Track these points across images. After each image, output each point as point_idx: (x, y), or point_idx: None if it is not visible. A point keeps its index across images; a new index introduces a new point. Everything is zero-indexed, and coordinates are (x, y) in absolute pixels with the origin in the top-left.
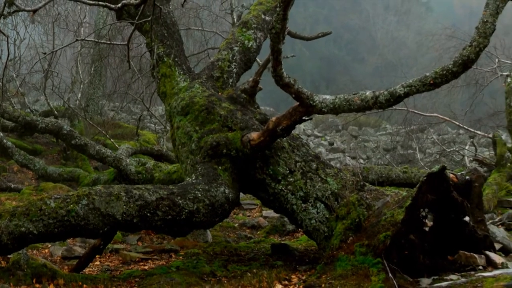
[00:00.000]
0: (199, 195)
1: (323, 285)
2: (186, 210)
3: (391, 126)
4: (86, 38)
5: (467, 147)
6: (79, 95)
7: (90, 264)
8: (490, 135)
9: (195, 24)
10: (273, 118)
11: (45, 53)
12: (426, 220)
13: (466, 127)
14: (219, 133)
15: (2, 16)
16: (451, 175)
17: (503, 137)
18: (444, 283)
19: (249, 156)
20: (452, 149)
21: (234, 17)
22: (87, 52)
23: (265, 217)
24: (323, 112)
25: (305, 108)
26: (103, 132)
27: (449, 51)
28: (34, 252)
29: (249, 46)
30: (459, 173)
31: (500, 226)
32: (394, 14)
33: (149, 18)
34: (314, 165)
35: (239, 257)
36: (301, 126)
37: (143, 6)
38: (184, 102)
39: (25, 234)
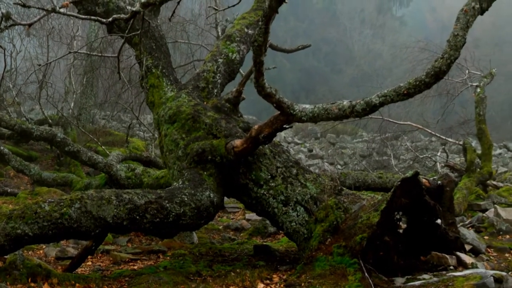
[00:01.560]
0: (186, 199)
1: (303, 284)
2: (173, 213)
3: (367, 134)
4: (79, 51)
5: (439, 154)
6: (72, 104)
7: (83, 264)
8: (461, 142)
9: (182, 37)
10: (256, 126)
11: (40, 65)
12: (400, 223)
13: (438, 135)
14: (204, 141)
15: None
16: (424, 180)
17: (473, 144)
18: (417, 282)
19: (233, 162)
20: (424, 155)
21: (219, 30)
22: (79, 63)
23: (248, 220)
24: (302, 121)
25: (286, 116)
26: (95, 139)
27: (422, 63)
28: (30, 253)
29: (232, 58)
30: (431, 178)
31: (470, 228)
32: (370, 28)
33: (138, 32)
34: (294, 171)
35: (224, 258)
36: (282, 133)
37: (133, 20)
38: (172, 111)
39: (21, 236)
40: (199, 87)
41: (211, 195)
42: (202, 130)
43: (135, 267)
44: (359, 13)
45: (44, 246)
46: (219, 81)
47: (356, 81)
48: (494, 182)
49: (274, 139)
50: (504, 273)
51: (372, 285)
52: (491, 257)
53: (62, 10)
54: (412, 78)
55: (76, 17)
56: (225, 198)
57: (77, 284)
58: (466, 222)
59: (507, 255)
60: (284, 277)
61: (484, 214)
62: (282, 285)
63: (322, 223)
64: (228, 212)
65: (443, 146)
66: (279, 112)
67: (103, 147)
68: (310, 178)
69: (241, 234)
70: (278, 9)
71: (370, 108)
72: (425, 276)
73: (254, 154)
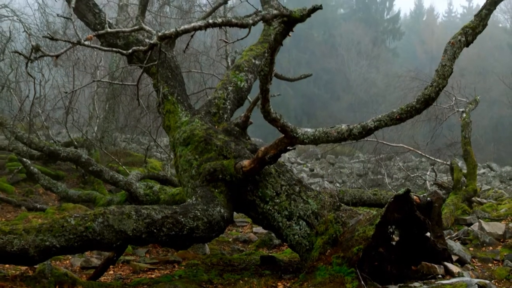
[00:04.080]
0: (199, 214)
1: None
2: (188, 227)
3: (363, 155)
4: (102, 80)
5: (428, 173)
6: (96, 128)
7: (105, 273)
8: (448, 163)
9: (195, 67)
10: (262, 148)
11: (66, 92)
12: (393, 235)
13: (428, 156)
14: (215, 161)
15: (30, 60)
16: (415, 197)
17: (459, 164)
18: None
19: (242, 181)
20: (415, 174)
21: (229, 61)
22: (102, 91)
23: (255, 233)
24: (305, 143)
25: (290, 139)
26: (116, 160)
27: (413, 90)
28: (57, 263)
29: (241, 86)
30: (421, 195)
31: (456, 240)
32: (365, 59)
33: (156, 62)
34: (297, 188)
35: (233, 267)
36: (286, 155)
37: (151, 52)
38: (186, 134)
39: (49, 248)
40: (211, 112)
41: (222, 210)
42: (213, 152)
43: (153, 276)
44: (356, 45)
45: (70, 257)
46: (229, 107)
47: (353, 107)
48: (479, 199)
49: (279, 159)
50: (487, 281)
51: None
52: (475, 266)
53: (86, 42)
54: (404, 104)
55: (99, 49)
56: (234, 213)
57: None
58: (453, 235)
59: (490, 265)
60: (288, 285)
61: (469, 228)
62: None
63: (323, 236)
64: (237, 226)
65: (432, 166)
66: (283, 135)
67: (123, 167)
68: (311, 195)
69: (249, 246)
70: (282, 42)
71: (366, 132)
72: (416, 284)
73: (261, 173)
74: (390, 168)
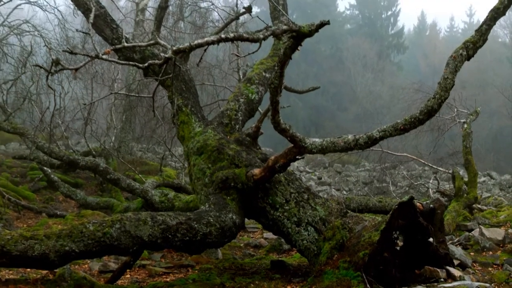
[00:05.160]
0: (212, 220)
1: None
2: (201, 233)
3: (369, 164)
4: (119, 92)
5: (431, 181)
6: (113, 138)
7: (122, 276)
8: (450, 171)
9: (208, 80)
10: (272, 157)
11: (85, 104)
12: (398, 241)
13: (430, 165)
14: (228, 170)
15: (50, 74)
16: (418, 204)
17: (461, 173)
18: None
19: (253, 188)
20: (418, 182)
21: (240, 74)
22: (119, 103)
23: (265, 238)
24: (313, 152)
25: (298, 149)
26: (133, 168)
27: (416, 102)
28: (76, 267)
29: (252, 98)
30: (424, 202)
31: (458, 245)
32: (371, 72)
33: (171, 75)
34: (306, 196)
35: (244, 271)
36: (295, 163)
37: (166, 65)
38: (199, 144)
39: (69, 252)
40: (223, 123)
41: (234, 217)
42: (225, 161)
43: (168, 279)
44: (362, 59)
45: (88, 261)
46: (240, 118)
47: (359, 118)
48: (479, 206)
49: (288, 168)
50: (487, 285)
51: None
52: (476, 270)
53: (104, 56)
54: (408, 116)
55: (117, 62)
56: (246, 220)
57: None
58: (455, 240)
59: (490, 269)
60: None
61: (470, 233)
62: None
63: (330, 241)
64: (248, 231)
65: (435, 175)
66: (292, 145)
67: (140, 175)
68: (319, 202)
69: (260, 251)
70: (292, 56)
71: (372, 141)
72: (419, 287)
73: (271, 181)
74: (395, 177)
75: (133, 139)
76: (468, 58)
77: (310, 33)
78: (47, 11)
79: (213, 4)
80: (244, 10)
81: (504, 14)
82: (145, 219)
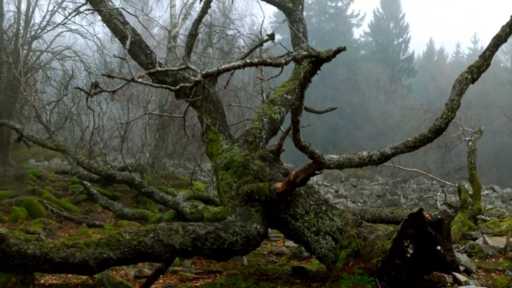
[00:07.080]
0: (238, 230)
1: None
2: (228, 241)
3: (382, 178)
4: (153, 112)
5: (438, 194)
6: (147, 154)
7: (156, 281)
8: (456, 185)
9: (234, 101)
10: (293, 172)
11: (121, 123)
12: (408, 249)
13: (438, 179)
14: (252, 183)
15: (90, 95)
16: (427, 215)
17: (466, 186)
18: None
19: (275, 201)
20: (427, 195)
21: (264, 96)
22: (153, 122)
23: (287, 247)
24: (330, 168)
25: (317, 164)
26: (165, 182)
27: (425, 121)
28: (113, 272)
29: (275, 118)
30: (433, 214)
31: (463, 253)
32: (383, 94)
33: (200, 97)
34: (324, 207)
35: (268, 277)
36: (314, 178)
37: (196, 88)
38: (226, 160)
39: (107, 259)
40: (248, 141)
41: (258, 226)
42: (250, 175)
43: (198, 284)
44: (375, 82)
45: (125, 267)
46: (264, 136)
47: (373, 136)
48: (483, 217)
49: (308, 182)
50: None
51: None
52: (480, 276)
53: (139, 79)
54: (418, 134)
55: (151, 85)
56: (269, 229)
57: None
58: (460, 248)
59: (493, 274)
60: None
61: (474, 242)
62: None
63: (346, 249)
64: (271, 240)
65: (442, 188)
66: (312, 160)
67: (172, 188)
68: (336, 213)
69: (282, 258)
70: (311, 79)
71: (384, 158)
72: None
73: (292, 194)
74: (405, 190)
75: (166, 156)
76: (473, 81)
77: (328, 59)
78: (87, 38)
79: (239, 31)
80: (267, 37)
81: (505, 41)
82: (177, 228)
